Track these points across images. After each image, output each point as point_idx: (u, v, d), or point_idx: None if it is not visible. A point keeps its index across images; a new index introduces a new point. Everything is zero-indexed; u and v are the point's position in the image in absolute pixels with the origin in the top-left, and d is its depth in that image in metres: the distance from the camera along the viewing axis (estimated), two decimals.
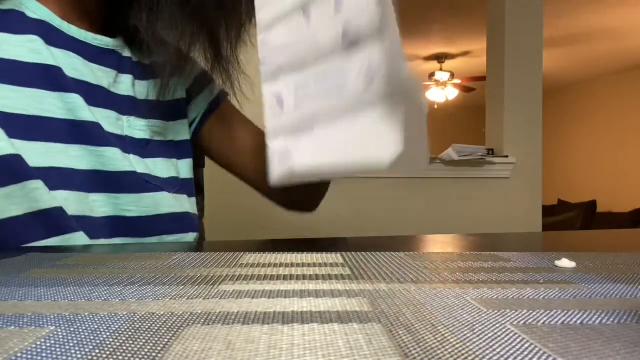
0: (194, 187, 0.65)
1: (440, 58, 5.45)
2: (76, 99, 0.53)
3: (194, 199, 0.64)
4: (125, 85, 0.59)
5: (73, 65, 0.55)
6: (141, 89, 0.61)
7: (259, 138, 0.68)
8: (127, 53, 0.61)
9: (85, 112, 0.53)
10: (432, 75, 5.74)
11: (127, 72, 0.60)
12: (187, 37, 0.57)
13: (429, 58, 5.46)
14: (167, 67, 0.58)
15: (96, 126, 0.54)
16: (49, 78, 0.52)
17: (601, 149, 6.18)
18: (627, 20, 4.37)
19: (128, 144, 0.57)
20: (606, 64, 5.83)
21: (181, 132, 0.64)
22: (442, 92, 5.96)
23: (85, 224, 0.52)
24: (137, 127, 0.59)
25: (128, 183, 0.55)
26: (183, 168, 0.63)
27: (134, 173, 0.55)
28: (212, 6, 0.57)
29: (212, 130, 0.68)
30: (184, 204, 0.61)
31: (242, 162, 0.68)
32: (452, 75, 5.70)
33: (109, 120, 0.56)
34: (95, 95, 0.56)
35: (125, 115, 0.58)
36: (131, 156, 0.57)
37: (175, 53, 0.57)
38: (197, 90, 0.67)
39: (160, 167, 0.59)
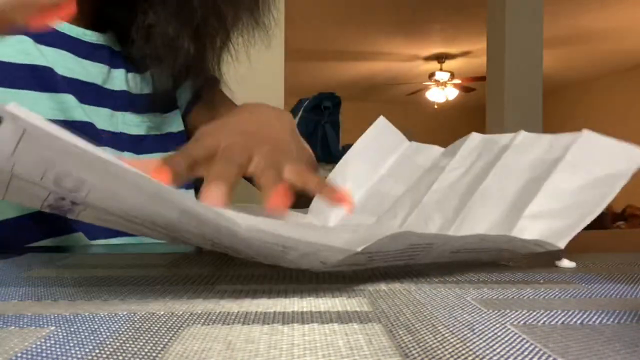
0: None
1: (440, 58, 5.45)
2: (68, 99, 0.52)
3: (192, 191, 0.63)
4: (118, 80, 0.58)
5: (64, 63, 0.54)
6: (135, 83, 0.59)
7: None
8: (117, 47, 0.60)
9: (77, 111, 0.52)
10: (432, 75, 5.74)
11: (120, 67, 0.59)
12: (175, 56, 0.56)
13: (429, 58, 5.46)
14: (156, 61, 0.57)
15: (89, 126, 0.53)
16: (39, 79, 0.51)
17: None
18: (627, 20, 4.37)
19: (123, 141, 0.56)
20: (606, 64, 5.82)
21: (176, 123, 0.63)
22: (442, 92, 5.96)
23: (84, 224, 0.51)
24: (132, 123, 0.58)
25: None
26: None
27: None
28: (201, 19, 0.56)
29: (198, 117, 0.65)
30: None
31: None
32: (452, 75, 5.70)
33: (102, 117, 0.55)
34: (88, 93, 0.55)
35: (120, 111, 0.57)
36: (125, 154, 0.56)
37: (164, 47, 0.56)
38: (184, 77, 0.65)
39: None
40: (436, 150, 0.51)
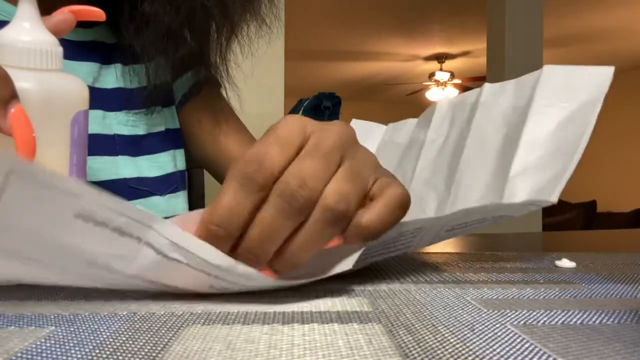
0: (186, 179, 0.62)
1: (440, 58, 5.45)
2: None
3: (186, 192, 0.61)
4: (111, 77, 0.55)
5: None
6: (131, 77, 0.56)
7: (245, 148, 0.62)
8: (111, 39, 0.56)
9: None
10: (432, 75, 5.74)
11: (115, 61, 0.56)
12: (174, 46, 0.54)
13: (429, 58, 5.46)
14: (153, 53, 0.54)
15: None
16: None
17: (601, 148, 6.18)
18: (627, 20, 4.36)
19: (117, 143, 0.53)
20: (606, 64, 5.81)
21: (174, 119, 0.60)
22: (442, 92, 5.95)
23: None
24: (128, 123, 0.55)
25: (112, 192, 0.52)
26: (180, 159, 0.61)
27: (117, 181, 0.53)
28: (202, 14, 0.54)
29: (193, 113, 0.62)
30: (178, 205, 0.59)
31: (219, 162, 0.62)
32: (452, 75, 5.69)
33: (94, 120, 0.52)
34: None
35: (113, 111, 0.54)
36: (119, 158, 0.53)
37: (164, 36, 0.53)
38: (182, 70, 0.61)
39: (153, 165, 0.56)
40: (410, 123, 0.50)
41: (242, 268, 0.22)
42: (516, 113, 0.38)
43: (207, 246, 0.23)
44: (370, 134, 0.54)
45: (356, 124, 0.55)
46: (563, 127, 0.35)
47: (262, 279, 0.24)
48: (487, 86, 0.42)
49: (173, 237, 0.23)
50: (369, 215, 0.26)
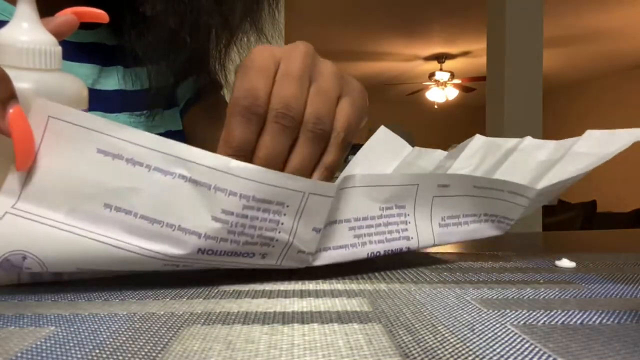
0: None
1: (440, 58, 5.45)
2: None
3: None
4: (112, 79, 0.55)
5: None
6: (132, 80, 0.56)
7: None
8: (113, 41, 0.56)
9: None
10: (432, 75, 5.74)
11: (116, 64, 0.55)
12: (176, 50, 0.54)
13: (429, 58, 5.46)
14: (155, 57, 0.54)
15: None
16: None
17: None
18: (627, 20, 4.37)
19: None
20: (606, 64, 5.82)
21: (176, 121, 0.61)
22: (442, 92, 5.96)
23: None
24: (128, 124, 0.55)
25: None
26: None
27: None
28: (203, 19, 0.54)
29: (195, 119, 0.62)
30: None
31: None
32: (452, 75, 5.70)
33: None
34: None
35: (114, 112, 0.54)
36: None
37: (167, 38, 0.53)
38: (184, 75, 0.60)
39: None
40: (439, 154, 0.51)
41: (235, 163, 0.26)
42: (550, 163, 0.41)
43: (203, 152, 0.27)
44: (395, 147, 0.53)
45: (385, 132, 0.54)
46: (582, 170, 0.38)
47: (257, 174, 0.26)
48: (528, 138, 0.44)
49: (179, 153, 0.27)
50: (329, 158, 0.34)
